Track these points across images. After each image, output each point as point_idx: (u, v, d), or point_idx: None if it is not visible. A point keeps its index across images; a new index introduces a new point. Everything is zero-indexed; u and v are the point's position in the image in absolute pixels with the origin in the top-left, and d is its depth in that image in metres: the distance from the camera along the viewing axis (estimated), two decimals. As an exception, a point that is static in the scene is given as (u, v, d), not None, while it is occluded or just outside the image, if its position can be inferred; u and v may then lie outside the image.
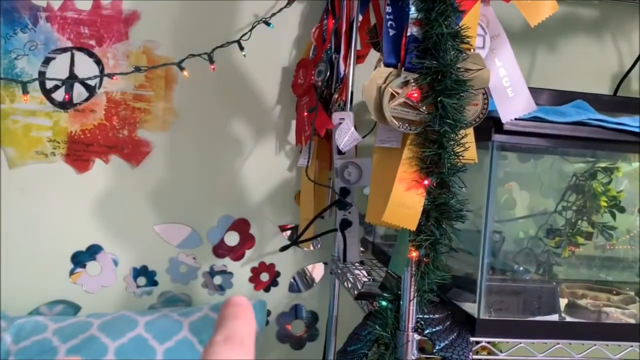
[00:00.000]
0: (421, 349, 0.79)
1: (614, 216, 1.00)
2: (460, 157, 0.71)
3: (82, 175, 1.25)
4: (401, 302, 0.76)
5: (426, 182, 0.71)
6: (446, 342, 0.75)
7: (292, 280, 1.35)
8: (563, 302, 0.90)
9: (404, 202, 0.71)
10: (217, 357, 0.29)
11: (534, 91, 0.77)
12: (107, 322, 1.12)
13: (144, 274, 1.28)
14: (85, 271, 1.26)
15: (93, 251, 1.26)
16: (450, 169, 0.71)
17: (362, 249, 1.30)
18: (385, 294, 0.81)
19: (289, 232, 1.34)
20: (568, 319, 0.85)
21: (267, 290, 1.33)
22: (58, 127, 1.23)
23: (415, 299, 0.75)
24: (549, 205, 1.06)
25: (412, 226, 0.72)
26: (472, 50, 0.70)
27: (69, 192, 1.24)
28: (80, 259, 1.26)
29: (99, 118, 1.24)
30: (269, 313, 1.33)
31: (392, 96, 0.70)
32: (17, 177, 1.22)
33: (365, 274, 1.12)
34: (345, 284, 1.08)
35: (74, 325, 1.11)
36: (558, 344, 0.80)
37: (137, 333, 1.09)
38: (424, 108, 0.69)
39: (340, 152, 1.10)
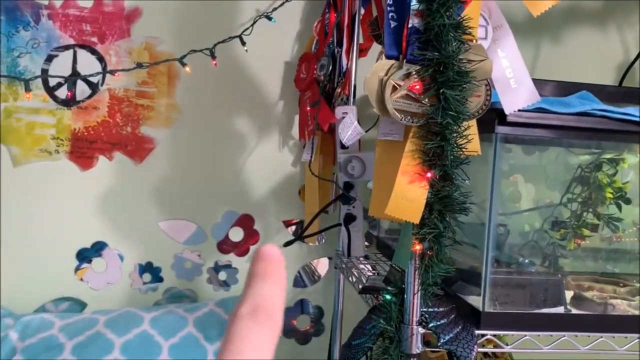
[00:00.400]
0: (426, 343, 0.79)
1: (619, 208, 1.00)
2: (464, 149, 0.71)
3: (86, 172, 1.25)
4: (405, 296, 0.76)
5: (429, 174, 0.70)
6: (451, 335, 0.75)
7: (297, 275, 1.35)
8: (569, 294, 0.89)
9: (407, 195, 0.71)
10: (243, 335, 0.27)
11: (538, 83, 0.76)
12: (113, 319, 1.12)
13: (149, 271, 1.28)
14: (91, 267, 1.26)
15: (98, 248, 1.26)
16: (453, 162, 0.70)
17: (366, 243, 1.29)
18: (389, 288, 0.81)
19: (293, 227, 1.34)
20: (574, 311, 0.85)
21: (272, 285, 1.33)
22: (61, 125, 1.23)
23: (419, 293, 0.74)
24: (554, 198, 1.05)
25: (416, 219, 0.71)
26: (474, 41, 0.70)
27: (74, 190, 1.25)
28: (85, 256, 1.26)
29: (102, 115, 1.24)
30: (274, 308, 1.33)
31: (394, 89, 0.69)
32: (21, 175, 1.23)
33: (370, 268, 1.12)
34: (350, 278, 1.08)
35: (80, 322, 1.12)
36: (564, 336, 0.79)
37: (142, 329, 1.09)
38: (426, 100, 0.69)
39: (343, 147, 1.10)
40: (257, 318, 0.28)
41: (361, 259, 1.15)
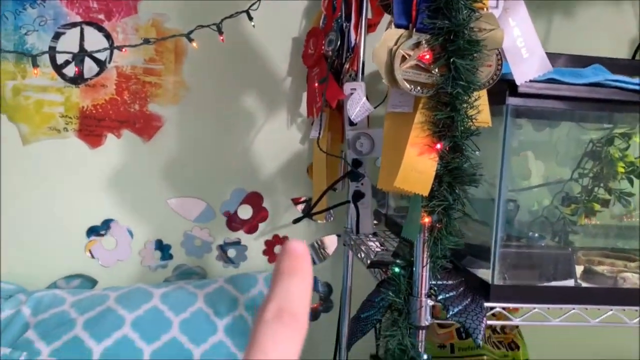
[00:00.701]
0: (435, 319, 0.79)
1: (631, 182, 0.98)
2: (474, 120, 0.70)
3: (95, 150, 1.25)
4: (414, 268, 0.76)
5: (439, 146, 0.70)
6: (460, 307, 0.74)
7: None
8: (579, 269, 0.89)
9: (417, 166, 0.71)
10: (268, 338, 0.27)
11: (550, 56, 0.75)
12: (124, 295, 1.13)
13: (159, 248, 1.29)
14: (101, 243, 1.27)
15: (108, 225, 1.27)
16: (463, 133, 0.70)
17: (375, 221, 1.29)
18: (398, 261, 0.80)
19: (301, 205, 1.34)
20: (584, 285, 0.84)
21: (280, 262, 1.33)
22: (70, 103, 1.23)
23: (428, 265, 0.74)
24: (564, 175, 1.04)
25: (425, 191, 0.71)
26: (485, 9, 0.69)
27: (83, 167, 1.25)
28: (95, 231, 1.27)
29: (110, 93, 1.24)
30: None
31: (404, 59, 0.68)
32: (31, 154, 1.23)
33: (378, 245, 1.12)
34: (359, 255, 1.08)
35: (90, 298, 1.13)
36: (573, 309, 0.79)
37: (153, 305, 1.10)
38: (436, 70, 0.68)
39: (352, 123, 1.09)
40: (281, 320, 0.28)
41: (370, 236, 1.15)
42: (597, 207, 0.99)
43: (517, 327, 1.26)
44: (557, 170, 1.05)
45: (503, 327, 1.27)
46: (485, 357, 1.18)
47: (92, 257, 1.27)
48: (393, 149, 0.74)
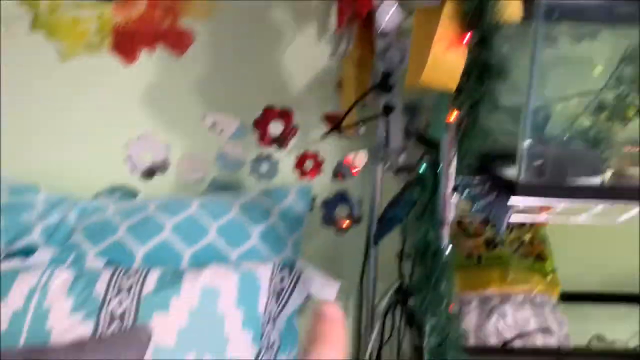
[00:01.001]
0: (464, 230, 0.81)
1: (669, 88, 0.96)
2: (503, 14, 0.69)
3: (129, 66, 1.28)
4: (440, 165, 0.77)
5: (466, 39, 0.69)
6: (485, 202, 0.76)
7: (336, 167, 1.37)
8: (608, 172, 0.89)
9: (445, 61, 0.71)
10: None
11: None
12: (163, 204, 1.18)
13: (195, 163, 1.33)
14: (139, 155, 1.32)
15: (145, 140, 1.31)
16: (492, 26, 0.69)
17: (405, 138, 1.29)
18: (424, 162, 0.82)
19: (332, 121, 1.35)
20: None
21: (312, 177, 1.37)
22: (103, 20, 1.25)
23: (454, 161, 0.76)
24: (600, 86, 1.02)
25: (452, 86, 0.71)
26: None
27: (119, 83, 1.28)
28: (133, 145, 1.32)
29: (142, 9, 1.26)
30: (314, 199, 1.37)
31: (433, -53, 0.67)
32: (68, 71, 1.27)
33: (407, 158, 1.14)
34: (388, 167, 1.10)
35: (132, 207, 1.19)
36: (600, 206, 0.80)
37: (191, 212, 1.15)
38: (466, -42, 0.66)
39: (382, 35, 1.08)
40: None
41: (400, 150, 1.17)
42: (631, 113, 0.97)
43: (544, 239, 1.28)
44: (594, 81, 1.03)
45: (532, 240, 1.28)
46: (511, 267, 1.20)
47: (131, 171, 1.33)
48: (421, 45, 0.74)
